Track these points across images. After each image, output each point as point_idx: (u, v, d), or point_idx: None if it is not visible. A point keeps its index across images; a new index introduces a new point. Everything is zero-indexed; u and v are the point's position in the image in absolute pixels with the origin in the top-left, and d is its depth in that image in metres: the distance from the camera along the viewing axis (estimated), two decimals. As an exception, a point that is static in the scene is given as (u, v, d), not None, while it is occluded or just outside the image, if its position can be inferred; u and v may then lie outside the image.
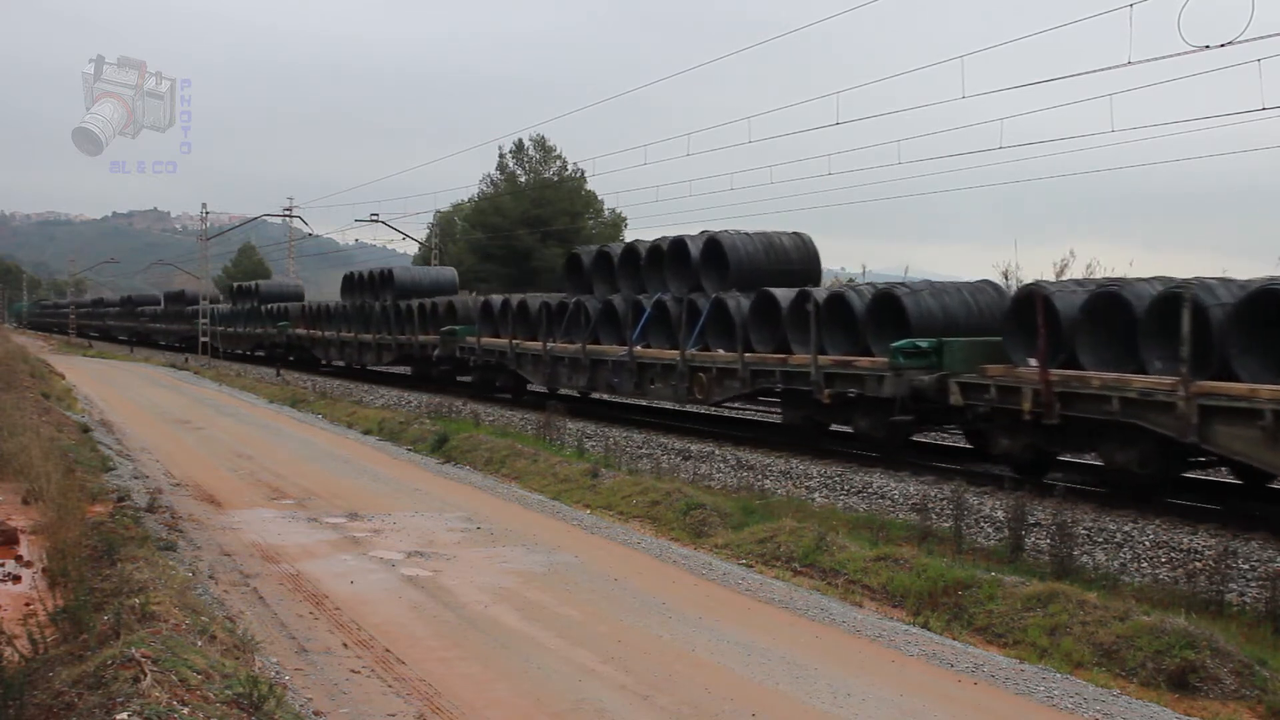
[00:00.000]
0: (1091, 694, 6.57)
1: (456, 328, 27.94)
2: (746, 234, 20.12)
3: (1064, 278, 13.07)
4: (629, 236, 46.10)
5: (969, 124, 21.86)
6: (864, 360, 15.17)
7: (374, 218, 50.74)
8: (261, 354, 46.43)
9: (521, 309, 24.90)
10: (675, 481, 13.69)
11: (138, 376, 37.11)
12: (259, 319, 46.16)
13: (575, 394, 25.32)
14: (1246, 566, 9.67)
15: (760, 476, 14.86)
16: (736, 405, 21.91)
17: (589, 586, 8.94)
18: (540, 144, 54.28)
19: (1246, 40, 12.45)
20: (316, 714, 5.86)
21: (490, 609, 8.19)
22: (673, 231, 21.15)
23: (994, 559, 10.15)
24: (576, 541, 10.80)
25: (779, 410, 19.19)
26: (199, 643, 5.52)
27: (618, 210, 52.70)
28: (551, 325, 23.38)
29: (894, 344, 14.33)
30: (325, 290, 63.71)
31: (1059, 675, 6.92)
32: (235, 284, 56.42)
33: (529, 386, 26.25)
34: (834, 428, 17.46)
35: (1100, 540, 10.78)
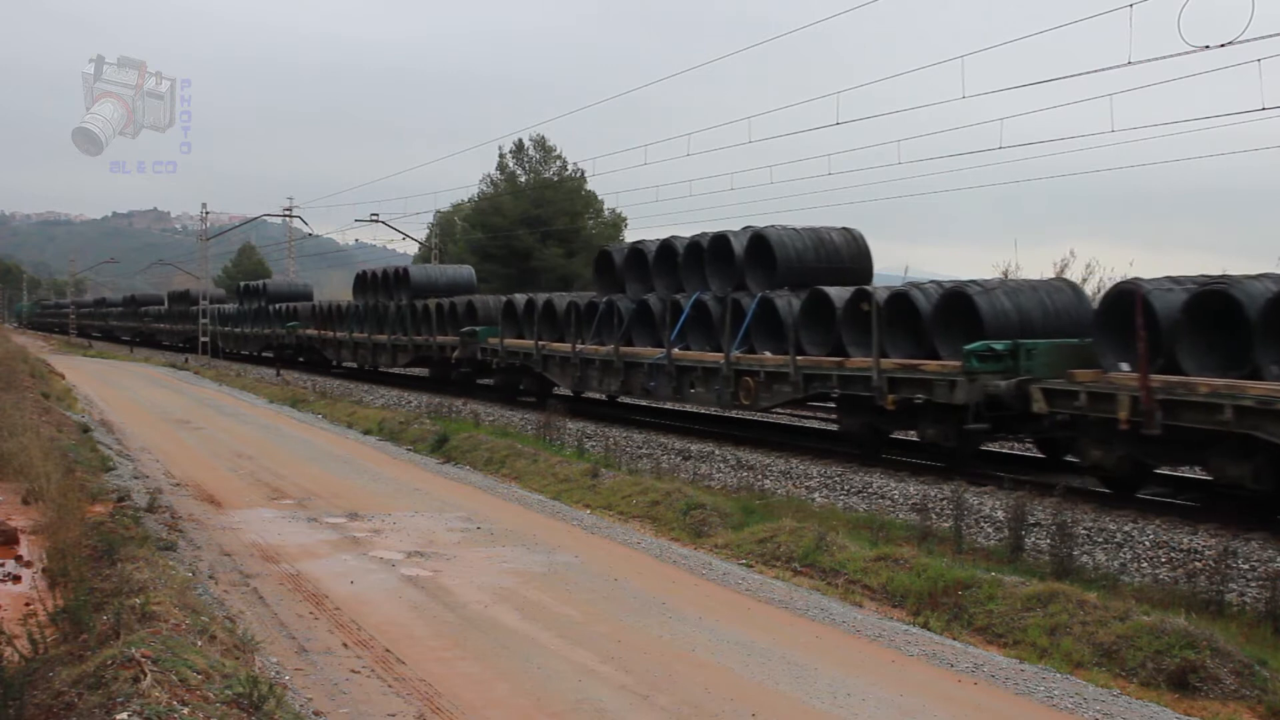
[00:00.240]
0: (1091, 694, 6.57)
1: (477, 328, 26.91)
2: (795, 230, 18.95)
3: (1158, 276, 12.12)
4: (629, 237, 46.23)
5: (969, 124, 21.78)
6: (931, 364, 14.11)
7: (374, 218, 50.83)
8: (270, 355, 44.86)
9: (548, 309, 23.78)
10: (675, 481, 13.68)
11: (138, 376, 37.10)
12: (266, 319, 45.10)
13: (602, 397, 24.26)
14: (1246, 566, 9.67)
15: (760, 476, 14.85)
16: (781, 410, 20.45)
17: (589, 586, 8.94)
18: (540, 144, 54.24)
19: (1246, 40, 12.46)
20: (316, 714, 5.86)
21: (490, 609, 8.19)
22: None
23: (994, 559, 10.14)
24: (576, 541, 10.80)
25: (835, 417, 17.90)
26: (199, 643, 5.52)
27: (618, 210, 52.76)
28: (580, 326, 22.25)
29: (966, 346, 13.42)
30: (326, 290, 63.69)
31: (1059, 675, 6.91)
32: (242, 283, 55.29)
33: (554, 390, 24.91)
34: (896, 435, 16.45)
35: (1100, 540, 10.78)
